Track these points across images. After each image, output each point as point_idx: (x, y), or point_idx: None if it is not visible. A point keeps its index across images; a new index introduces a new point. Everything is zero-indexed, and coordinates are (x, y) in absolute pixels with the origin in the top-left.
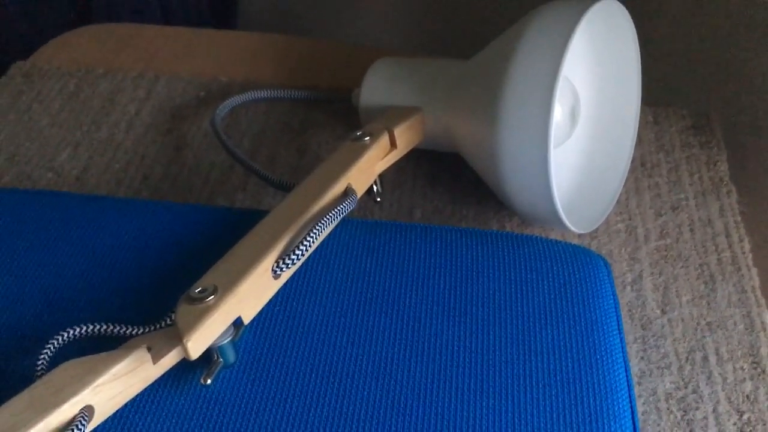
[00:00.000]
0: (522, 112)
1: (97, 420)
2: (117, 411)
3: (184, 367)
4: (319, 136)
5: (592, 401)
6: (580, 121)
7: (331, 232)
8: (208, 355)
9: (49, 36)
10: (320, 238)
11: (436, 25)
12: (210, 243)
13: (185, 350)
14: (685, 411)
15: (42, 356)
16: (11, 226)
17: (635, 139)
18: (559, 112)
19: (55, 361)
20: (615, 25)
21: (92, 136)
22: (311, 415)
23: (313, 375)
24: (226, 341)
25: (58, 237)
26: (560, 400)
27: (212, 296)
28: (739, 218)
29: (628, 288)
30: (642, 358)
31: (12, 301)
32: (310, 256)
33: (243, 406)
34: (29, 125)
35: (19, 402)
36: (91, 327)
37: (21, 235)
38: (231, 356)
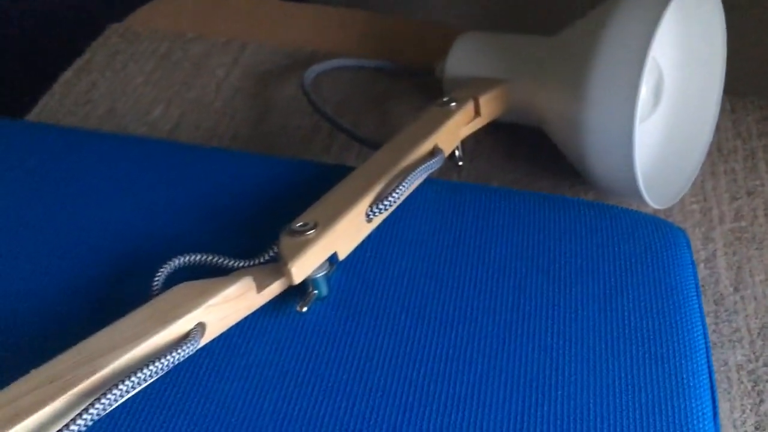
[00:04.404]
0: (609, 88)
1: (207, 337)
2: (223, 333)
3: (283, 300)
4: (401, 106)
5: (671, 359)
6: (662, 100)
7: (416, 189)
8: (303, 288)
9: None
10: (411, 188)
11: (509, 5)
12: (299, 194)
13: (289, 275)
14: (755, 382)
15: (157, 277)
16: (119, 170)
17: (715, 123)
18: (643, 90)
19: (166, 285)
20: (705, 10)
21: (183, 95)
22: (402, 351)
23: (403, 316)
24: (321, 274)
25: (158, 180)
26: (639, 354)
27: (312, 230)
28: None
29: (702, 265)
30: (714, 330)
31: (122, 233)
32: (397, 209)
33: (338, 337)
34: (125, 82)
35: (140, 314)
36: (201, 256)
37: (125, 178)
38: (324, 289)
